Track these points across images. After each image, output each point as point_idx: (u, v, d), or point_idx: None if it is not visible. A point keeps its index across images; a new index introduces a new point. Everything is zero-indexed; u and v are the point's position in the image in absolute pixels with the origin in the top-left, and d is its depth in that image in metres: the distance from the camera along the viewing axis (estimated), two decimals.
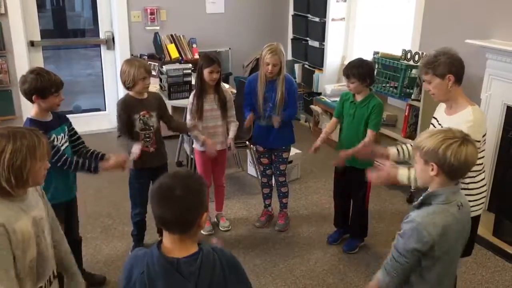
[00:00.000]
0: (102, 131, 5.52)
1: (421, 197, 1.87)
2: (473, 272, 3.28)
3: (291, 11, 6.12)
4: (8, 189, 1.71)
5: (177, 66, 4.64)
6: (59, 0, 6.07)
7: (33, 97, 2.54)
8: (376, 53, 4.54)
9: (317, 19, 5.66)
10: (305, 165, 4.75)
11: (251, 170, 4.67)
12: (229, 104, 3.50)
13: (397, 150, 2.69)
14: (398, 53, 4.30)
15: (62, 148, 2.68)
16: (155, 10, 5.53)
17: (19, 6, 4.93)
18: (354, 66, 3.17)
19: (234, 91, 4.51)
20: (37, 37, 5.25)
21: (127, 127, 3.13)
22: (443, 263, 1.86)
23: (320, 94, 5.61)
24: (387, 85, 4.31)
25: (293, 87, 3.52)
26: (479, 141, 2.41)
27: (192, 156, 4.23)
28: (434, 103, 2.71)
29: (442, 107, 2.64)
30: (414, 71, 4.11)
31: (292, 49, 6.19)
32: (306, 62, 5.97)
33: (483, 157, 2.53)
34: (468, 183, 2.49)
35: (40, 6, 5.32)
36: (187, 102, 3.66)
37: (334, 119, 3.47)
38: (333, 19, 5.46)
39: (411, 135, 4.23)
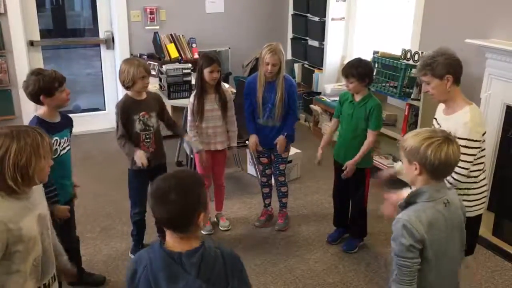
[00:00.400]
0: (101, 130, 5.52)
1: (406, 197, 1.89)
2: (472, 271, 3.27)
3: (290, 11, 6.11)
4: (15, 188, 1.73)
5: (176, 65, 4.64)
6: None
7: (41, 98, 2.55)
8: (375, 52, 4.54)
9: (316, 19, 5.66)
10: (305, 165, 4.75)
11: (251, 169, 4.66)
12: (229, 104, 3.50)
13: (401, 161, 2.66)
14: (398, 52, 4.29)
15: (64, 151, 2.69)
16: (154, 10, 5.53)
17: (18, 5, 4.93)
18: (353, 66, 3.17)
19: (234, 90, 4.50)
20: (36, 36, 5.25)
21: (126, 128, 3.13)
22: (440, 264, 1.86)
23: (319, 93, 5.61)
24: (387, 84, 4.31)
25: (293, 87, 3.52)
26: (478, 141, 2.41)
27: (192, 156, 4.23)
28: (433, 102, 2.71)
29: (441, 107, 2.64)
30: (413, 70, 4.10)
31: (292, 48, 6.19)
32: (306, 62, 5.97)
33: (483, 156, 2.53)
34: (468, 183, 2.49)
35: (40, 5, 5.31)
36: (187, 101, 3.66)
37: (335, 119, 3.47)
38: (332, 19, 5.46)
39: None
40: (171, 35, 5.48)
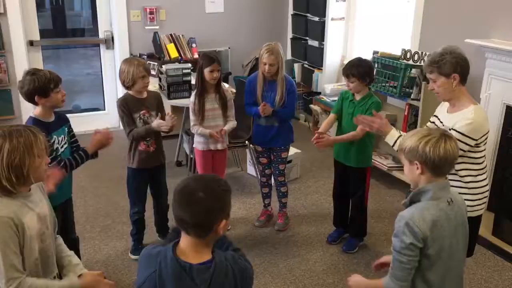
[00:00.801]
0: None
1: (410, 195, 1.90)
2: (472, 271, 3.28)
3: (290, 11, 6.11)
4: (10, 188, 1.73)
5: (176, 65, 4.63)
6: None
7: (36, 98, 2.54)
8: (375, 52, 4.54)
9: (316, 19, 5.65)
10: (304, 165, 4.75)
11: (251, 169, 4.66)
12: (229, 104, 3.50)
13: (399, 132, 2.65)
14: (398, 52, 4.29)
15: (62, 149, 2.68)
16: (154, 10, 5.53)
17: (18, 5, 4.93)
18: (354, 66, 3.17)
19: (234, 90, 4.50)
20: (36, 36, 5.25)
21: (132, 120, 3.13)
22: (443, 263, 1.86)
23: (319, 93, 5.61)
24: (387, 84, 4.31)
25: (293, 88, 3.52)
26: (476, 140, 2.41)
27: (191, 156, 4.22)
28: (433, 102, 2.71)
29: (444, 106, 2.63)
30: (413, 70, 4.11)
31: (292, 48, 6.19)
32: (306, 62, 5.97)
33: (484, 156, 2.53)
34: (468, 182, 2.49)
35: (39, 5, 5.31)
36: (187, 101, 3.66)
37: (332, 114, 3.45)
38: (332, 19, 5.46)
39: None
40: (170, 35, 5.48)
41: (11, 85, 5.02)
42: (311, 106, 5.59)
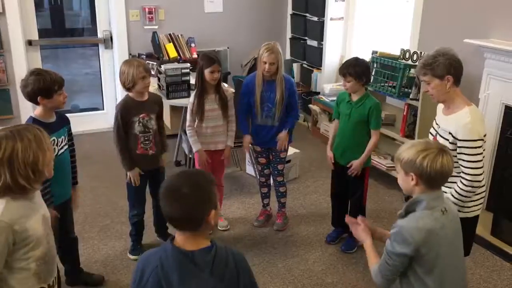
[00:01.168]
0: (100, 130, 5.51)
1: (404, 206, 1.95)
2: (471, 271, 3.28)
3: (289, 10, 6.11)
4: (27, 186, 1.75)
5: (175, 65, 4.62)
6: None
7: (38, 99, 2.54)
8: (374, 52, 4.54)
9: (315, 19, 5.65)
10: (303, 165, 4.75)
11: (250, 169, 4.66)
12: (229, 104, 3.50)
13: None
14: (397, 52, 4.29)
15: (62, 150, 2.68)
16: (153, 9, 5.52)
17: (17, 5, 4.92)
18: (350, 65, 3.18)
19: (233, 90, 4.50)
20: (35, 36, 5.24)
21: (124, 129, 3.12)
22: (441, 269, 1.89)
23: (318, 93, 5.61)
24: (386, 84, 4.31)
25: (293, 88, 3.53)
26: (480, 139, 2.41)
27: (190, 156, 4.22)
28: (432, 102, 2.71)
29: (440, 107, 2.64)
30: (412, 70, 4.11)
31: (291, 48, 6.19)
32: (305, 62, 5.97)
33: (483, 157, 2.53)
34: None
35: (38, 5, 5.30)
36: (186, 101, 3.66)
37: (336, 120, 3.48)
38: (331, 19, 5.46)
39: (410, 135, 4.23)
40: (169, 34, 5.48)
41: (9, 84, 5.02)
42: (310, 106, 5.59)
